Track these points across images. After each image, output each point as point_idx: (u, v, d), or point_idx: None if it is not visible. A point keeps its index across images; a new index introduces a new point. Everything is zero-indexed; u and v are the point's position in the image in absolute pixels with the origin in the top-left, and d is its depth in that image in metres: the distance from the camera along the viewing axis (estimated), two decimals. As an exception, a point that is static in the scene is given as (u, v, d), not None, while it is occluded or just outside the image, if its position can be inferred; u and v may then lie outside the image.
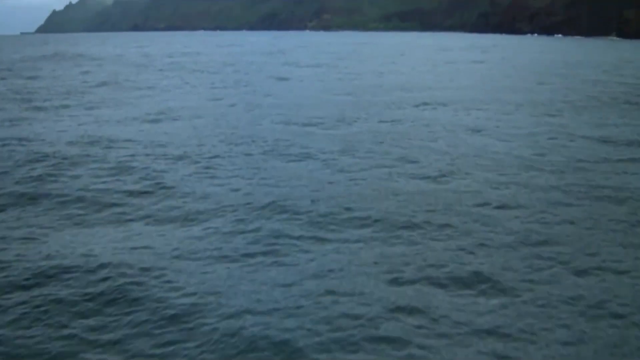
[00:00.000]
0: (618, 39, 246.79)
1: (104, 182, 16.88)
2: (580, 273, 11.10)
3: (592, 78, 52.42)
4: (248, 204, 14.69)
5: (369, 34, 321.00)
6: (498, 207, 14.63)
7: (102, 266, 11.05)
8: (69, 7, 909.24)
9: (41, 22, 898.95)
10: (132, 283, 10.41)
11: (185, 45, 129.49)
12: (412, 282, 10.53)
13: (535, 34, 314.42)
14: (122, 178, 17.39)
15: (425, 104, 33.89)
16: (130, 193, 15.95)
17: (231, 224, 13.39)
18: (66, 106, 33.65)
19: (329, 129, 24.83)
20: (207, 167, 18.53)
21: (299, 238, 12.60)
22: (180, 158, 19.76)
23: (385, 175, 17.85)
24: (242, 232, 12.87)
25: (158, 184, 16.64)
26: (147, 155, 20.28)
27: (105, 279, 10.57)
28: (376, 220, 13.67)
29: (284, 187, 16.16)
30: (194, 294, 10.08)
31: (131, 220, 13.97)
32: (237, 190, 15.97)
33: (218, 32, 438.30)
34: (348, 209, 14.33)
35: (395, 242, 12.47)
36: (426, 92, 39.44)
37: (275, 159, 19.47)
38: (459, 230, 13.13)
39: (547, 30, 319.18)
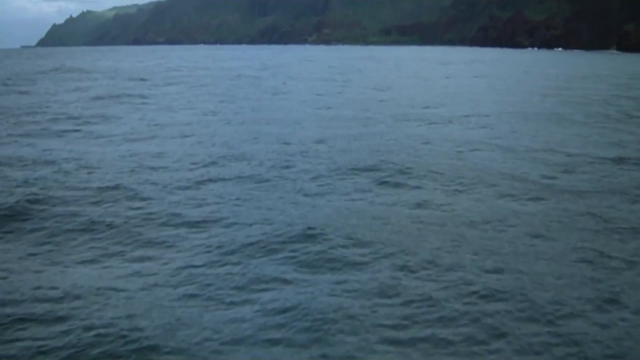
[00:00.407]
0: (618, 52, 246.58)
1: (80, 208, 15.47)
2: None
3: (605, 92, 51.29)
4: (232, 240, 13.21)
5: (370, 48, 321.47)
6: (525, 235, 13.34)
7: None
8: (69, 20, 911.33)
9: (42, 35, 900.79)
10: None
11: (186, 60, 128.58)
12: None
13: (535, 48, 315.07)
14: (104, 203, 16.01)
15: (435, 119, 32.58)
16: (110, 220, 14.55)
17: (209, 261, 11.99)
18: (55, 120, 32.58)
19: (330, 149, 23.17)
20: (194, 193, 16.91)
21: (286, 282, 11.12)
22: (167, 183, 18.16)
23: (390, 202, 16.32)
24: (219, 273, 11.48)
25: (139, 209, 15.26)
26: (133, 177, 18.95)
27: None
28: (379, 259, 12.14)
29: (276, 219, 14.45)
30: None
31: (105, 251, 12.63)
32: (222, 220, 14.48)
33: (218, 46, 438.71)
34: (354, 244, 12.81)
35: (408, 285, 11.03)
36: (435, 108, 38.21)
37: (269, 186, 17.67)
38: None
39: (547, 44, 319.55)
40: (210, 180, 18.40)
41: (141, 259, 12.25)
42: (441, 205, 15.91)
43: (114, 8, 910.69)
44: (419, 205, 15.88)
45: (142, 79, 64.07)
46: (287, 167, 20.18)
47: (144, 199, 16.23)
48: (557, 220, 14.55)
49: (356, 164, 20.46)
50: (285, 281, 11.05)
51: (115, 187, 17.62)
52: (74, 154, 22.97)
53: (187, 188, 17.43)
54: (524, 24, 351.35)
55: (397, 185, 18.04)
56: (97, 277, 11.24)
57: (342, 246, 12.53)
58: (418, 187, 17.89)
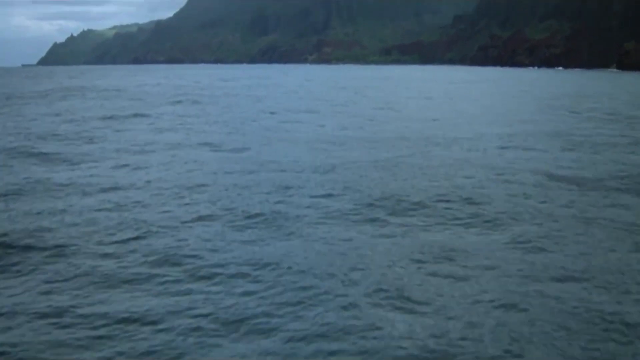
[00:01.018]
0: (618, 71, 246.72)
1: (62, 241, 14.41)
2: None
3: (622, 112, 50.40)
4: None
5: (371, 67, 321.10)
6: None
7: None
8: (70, 39, 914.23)
9: (42, 54, 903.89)
10: None
11: (187, 79, 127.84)
12: None
13: (535, 67, 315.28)
14: (85, 233, 15.02)
15: (448, 140, 31.52)
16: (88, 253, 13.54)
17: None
18: (57, 135, 31.96)
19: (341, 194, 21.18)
20: (179, 235, 14.92)
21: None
22: (153, 221, 16.09)
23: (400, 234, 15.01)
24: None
25: (120, 242, 14.28)
26: (118, 204, 17.98)
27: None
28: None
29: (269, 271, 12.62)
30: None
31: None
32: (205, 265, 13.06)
33: (219, 65, 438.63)
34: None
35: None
36: (447, 128, 37.22)
37: (265, 225, 15.77)
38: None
39: (547, 62, 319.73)
40: (201, 218, 16.37)
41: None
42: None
43: (115, 27, 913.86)
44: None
45: (142, 99, 63.04)
46: (287, 201, 18.48)
47: (126, 234, 15.10)
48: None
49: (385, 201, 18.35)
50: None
51: (97, 214, 16.72)
52: (59, 175, 22.06)
53: (175, 228, 15.61)
54: (524, 43, 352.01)
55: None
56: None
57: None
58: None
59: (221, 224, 15.59)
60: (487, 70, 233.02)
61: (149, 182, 20.93)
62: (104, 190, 19.60)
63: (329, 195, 18.79)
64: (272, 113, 46.61)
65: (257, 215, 16.42)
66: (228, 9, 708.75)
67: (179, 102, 58.76)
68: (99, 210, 17.01)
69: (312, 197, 18.54)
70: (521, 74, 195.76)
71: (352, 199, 18.30)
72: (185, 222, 15.86)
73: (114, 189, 19.91)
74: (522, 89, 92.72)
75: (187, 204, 17.79)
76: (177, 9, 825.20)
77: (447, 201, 17.85)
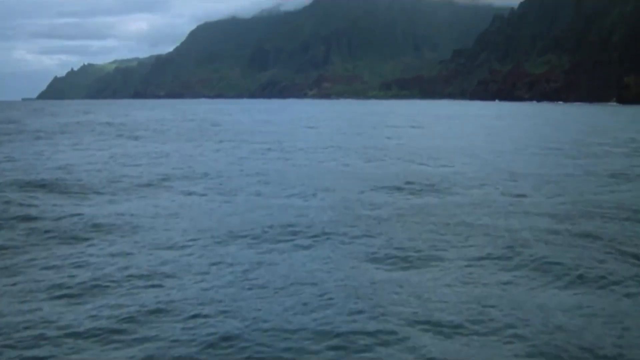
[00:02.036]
0: (618, 104, 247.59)
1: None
2: None
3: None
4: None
5: (372, 102, 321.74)
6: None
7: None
8: (70, 73, 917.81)
9: (43, 88, 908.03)
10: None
11: (195, 113, 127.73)
12: None
13: (534, 101, 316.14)
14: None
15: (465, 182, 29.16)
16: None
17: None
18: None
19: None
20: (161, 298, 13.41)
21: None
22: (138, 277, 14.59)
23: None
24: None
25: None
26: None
27: None
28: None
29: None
30: None
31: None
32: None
33: (220, 100, 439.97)
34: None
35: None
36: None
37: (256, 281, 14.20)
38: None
39: (547, 96, 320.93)
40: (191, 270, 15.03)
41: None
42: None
43: (115, 61, 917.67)
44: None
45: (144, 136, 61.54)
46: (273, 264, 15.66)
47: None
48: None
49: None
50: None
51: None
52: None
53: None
54: (524, 77, 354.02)
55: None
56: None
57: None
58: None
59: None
60: (487, 105, 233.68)
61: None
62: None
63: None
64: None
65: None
66: (228, 44, 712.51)
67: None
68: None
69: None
70: (524, 108, 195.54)
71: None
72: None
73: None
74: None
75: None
76: (177, 44, 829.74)
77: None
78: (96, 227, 19.00)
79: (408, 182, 27.72)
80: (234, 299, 12.68)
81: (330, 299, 12.58)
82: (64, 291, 13.34)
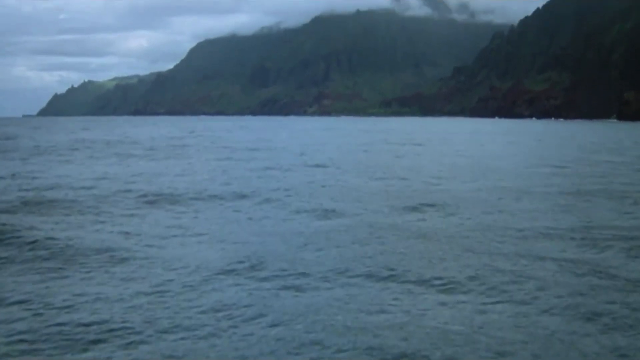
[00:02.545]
0: (618, 121, 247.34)
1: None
2: None
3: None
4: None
5: (372, 120, 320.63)
6: None
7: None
8: (70, 90, 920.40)
9: (43, 105, 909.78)
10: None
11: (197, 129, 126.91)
12: None
13: (534, 118, 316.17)
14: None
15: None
16: None
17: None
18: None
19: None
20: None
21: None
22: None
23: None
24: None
25: None
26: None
27: None
28: None
29: None
30: None
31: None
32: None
33: (221, 117, 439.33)
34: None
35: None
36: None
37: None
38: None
39: (547, 113, 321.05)
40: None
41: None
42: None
43: (115, 78, 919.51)
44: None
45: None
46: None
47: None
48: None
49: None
50: None
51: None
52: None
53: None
54: (524, 94, 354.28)
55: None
56: None
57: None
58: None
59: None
60: (488, 122, 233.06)
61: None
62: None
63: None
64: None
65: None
66: (228, 61, 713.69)
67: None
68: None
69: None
70: (526, 125, 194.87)
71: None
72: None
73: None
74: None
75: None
76: (177, 61, 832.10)
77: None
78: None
79: (420, 203, 26.31)
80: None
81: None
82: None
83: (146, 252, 17.27)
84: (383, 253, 17.13)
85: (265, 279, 14.62)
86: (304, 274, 14.95)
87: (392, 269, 15.42)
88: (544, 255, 16.90)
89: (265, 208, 24.97)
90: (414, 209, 24.67)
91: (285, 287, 14.06)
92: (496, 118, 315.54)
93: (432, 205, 25.48)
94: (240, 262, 16.06)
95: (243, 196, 28.23)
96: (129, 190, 29.07)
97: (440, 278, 14.75)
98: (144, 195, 27.82)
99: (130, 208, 24.81)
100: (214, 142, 75.97)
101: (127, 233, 19.99)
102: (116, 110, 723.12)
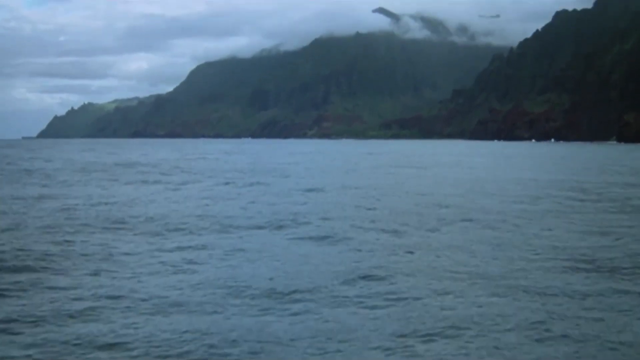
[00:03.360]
0: (618, 143, 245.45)
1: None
2: None
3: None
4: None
5: (373, 142, 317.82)
6: None
7: None
8: (70, 112, 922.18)
9: (43, 127, 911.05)
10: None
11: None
12: None
13: (533, 140, 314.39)
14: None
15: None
16: None
17: None
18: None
19: None
20: None
21: None
22: None
23: None
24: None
25: None
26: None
27: None
28: None
29: None
30: None
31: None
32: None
33: (220, 140, 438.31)
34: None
35: None
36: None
37: None
38: None
39: (547, 135, 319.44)
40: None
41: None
42: None
43: (115, 100, 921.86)
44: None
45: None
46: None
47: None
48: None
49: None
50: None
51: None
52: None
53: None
54: (524, 116, 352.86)
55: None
56: None
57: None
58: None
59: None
60: (491, 145, 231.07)
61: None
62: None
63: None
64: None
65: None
66: (228, 84, 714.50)
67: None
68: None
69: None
70: (531, 147, 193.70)
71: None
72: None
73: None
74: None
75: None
76: (177, 83, 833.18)
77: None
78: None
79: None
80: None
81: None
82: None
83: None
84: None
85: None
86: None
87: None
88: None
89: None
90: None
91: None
92: (495, 141, 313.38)
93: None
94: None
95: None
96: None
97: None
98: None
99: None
100: (234, 166, 73.54)
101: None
102: (116, 133, 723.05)
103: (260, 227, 24.90)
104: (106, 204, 31.84)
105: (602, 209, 30.65)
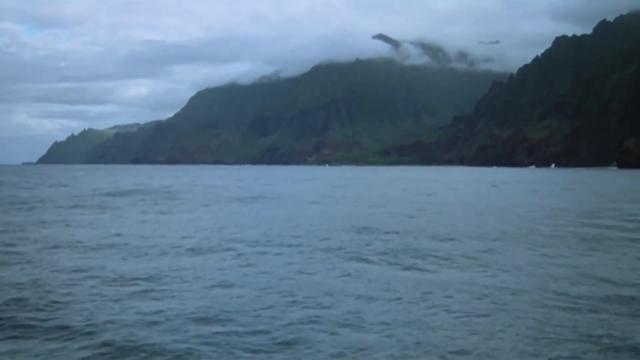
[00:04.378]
0: (618, 169, 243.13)
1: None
2: None
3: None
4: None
5: (372, 169, 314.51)
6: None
7: None
8: (70, 138, 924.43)
9: (43, 152, 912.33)
10: None
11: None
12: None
13: (533, 166, 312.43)
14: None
15: None
16: None
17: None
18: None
19: None
20: None
21: None
22: None
23: None
24: None
25: None
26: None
27: None
28: None
29: None
30: None
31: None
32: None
33: (222, 166, 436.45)
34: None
35: None
36: None
37: None
38: None
39: (547, 161, 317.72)
40: None
41: None
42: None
43: (115, 127, 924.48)
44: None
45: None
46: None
47: None
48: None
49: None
50: None
51: None
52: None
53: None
54: (524, 142, 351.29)
55: None
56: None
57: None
58: None
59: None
60: (492, 171, 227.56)
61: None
62: None
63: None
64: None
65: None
66: (228, 110, 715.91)
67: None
68: None
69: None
70: (533, 174, 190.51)
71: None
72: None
73: None
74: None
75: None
76: (177, 109, 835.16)
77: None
78: None
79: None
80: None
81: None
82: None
83: None
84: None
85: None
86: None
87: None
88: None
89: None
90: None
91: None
92: (494, 167, 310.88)
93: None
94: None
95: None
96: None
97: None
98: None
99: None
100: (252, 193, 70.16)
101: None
102: (115, 159, 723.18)
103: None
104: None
105: None
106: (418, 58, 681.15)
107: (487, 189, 75.52)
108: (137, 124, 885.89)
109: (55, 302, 13.81)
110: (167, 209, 38.53)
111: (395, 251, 21.31)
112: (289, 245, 23.12)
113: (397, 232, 26.15)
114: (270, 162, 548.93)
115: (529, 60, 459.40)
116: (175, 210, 38.30)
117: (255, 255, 20.69)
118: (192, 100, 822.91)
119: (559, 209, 39.24)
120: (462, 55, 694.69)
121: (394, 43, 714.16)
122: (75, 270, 17.64)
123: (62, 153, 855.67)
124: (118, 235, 25.66)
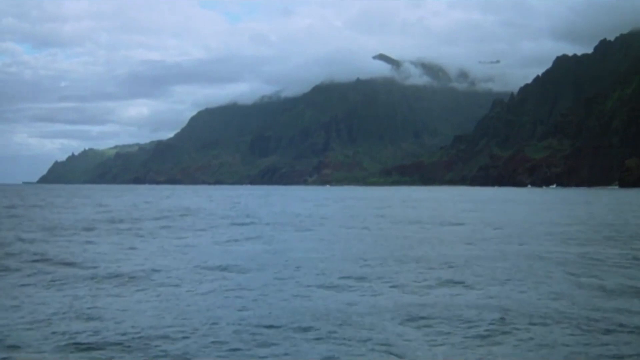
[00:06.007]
0: (619, 188, 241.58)
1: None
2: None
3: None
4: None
5: (373, 189, 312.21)
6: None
7: None
8: (71, 158, 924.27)
9: (43, 172, 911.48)
10: None
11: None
12: None
13: (531, 186, 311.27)
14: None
15: None
16: None
17: None
18: None
19: None
20: None
21: None
22: None
23: None
24: None
25: None
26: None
27: None
28: None
29: None
30: None
31: None
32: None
33: (222, 187, 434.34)
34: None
35: None
36: None
37: None
38: None
39: (548, 181, 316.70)
40: None
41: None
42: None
43: (116, 147, 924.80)
44: None
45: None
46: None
47: None
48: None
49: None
50: None
51: None
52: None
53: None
54: (525, 162, 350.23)
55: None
56: None
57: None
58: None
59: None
60: (495, 191, 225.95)
61: None
62: None
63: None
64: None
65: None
66: (228, 130, 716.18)
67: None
68: None
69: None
70: (537, 194, 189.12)
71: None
72: None
73: None
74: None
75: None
76: (178, 129, 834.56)
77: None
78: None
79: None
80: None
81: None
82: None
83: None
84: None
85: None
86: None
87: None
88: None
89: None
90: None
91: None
92: (496, 187, 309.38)
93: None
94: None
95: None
96: None
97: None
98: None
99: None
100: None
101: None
102: (116, 179, 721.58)
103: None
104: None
105: None
106: (418, 78, 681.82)
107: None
108: (137, 144, 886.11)
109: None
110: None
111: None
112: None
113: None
114: (270, 182, 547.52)
115: (529, 80, 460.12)
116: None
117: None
118: (193, 120, 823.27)
119: None
120: (463, 75, 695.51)
121: (395, 63, 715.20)
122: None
123: (62, 172, 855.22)
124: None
